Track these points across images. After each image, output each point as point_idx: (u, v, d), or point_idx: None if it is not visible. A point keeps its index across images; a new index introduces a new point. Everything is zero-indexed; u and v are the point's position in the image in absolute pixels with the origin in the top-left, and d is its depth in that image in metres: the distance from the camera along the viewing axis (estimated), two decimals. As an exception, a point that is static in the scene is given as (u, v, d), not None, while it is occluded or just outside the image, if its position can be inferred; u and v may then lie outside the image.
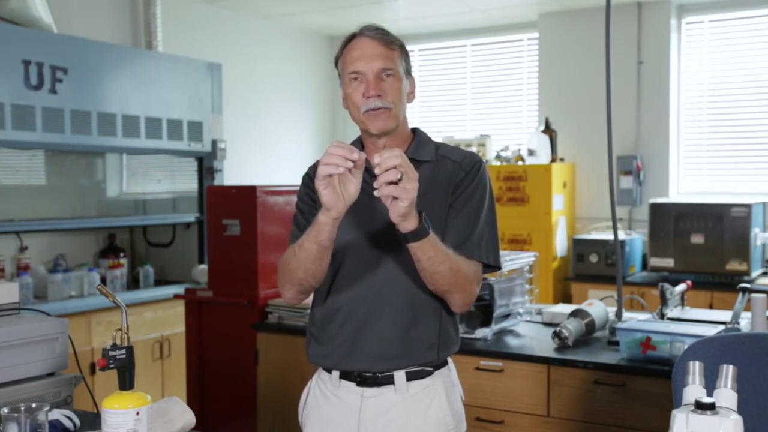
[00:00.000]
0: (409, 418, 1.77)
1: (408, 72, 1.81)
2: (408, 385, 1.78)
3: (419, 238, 1.57)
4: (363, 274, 1.78)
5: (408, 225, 1.54)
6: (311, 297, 1.90)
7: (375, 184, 1.48)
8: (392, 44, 1.76)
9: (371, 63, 1.72)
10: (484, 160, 5.78)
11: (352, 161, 1.52)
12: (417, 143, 1.84)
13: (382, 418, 1.77)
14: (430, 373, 1.81)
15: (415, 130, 1.88)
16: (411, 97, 1.84)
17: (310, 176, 1.87)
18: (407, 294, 1.76)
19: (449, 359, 1.88)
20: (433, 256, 1.61)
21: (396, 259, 1.76)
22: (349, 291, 1.79)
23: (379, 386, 1.78)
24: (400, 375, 1.77)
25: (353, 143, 1.86)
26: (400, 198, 1.48)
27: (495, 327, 2.89)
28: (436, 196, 1.75)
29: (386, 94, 1.73)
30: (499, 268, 1.83)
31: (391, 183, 1.47)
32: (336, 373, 1.82)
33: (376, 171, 1.47)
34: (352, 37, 1.78)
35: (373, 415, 1.78)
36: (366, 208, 1.77)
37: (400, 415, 1.77)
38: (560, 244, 5.12)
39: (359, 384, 1.79)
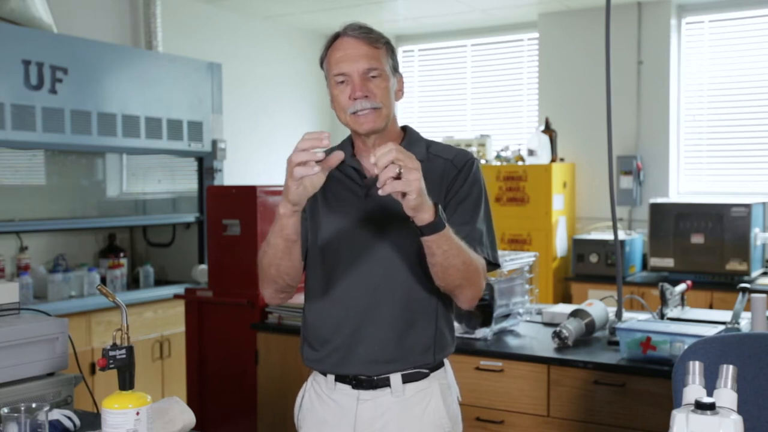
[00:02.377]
0: (405, 421, 1.76)
1: (395, 69, 1.78)
2: (404, 387, 1.76)
3: (436, 231, 1.54)
4: (356, 278, 1.75)
5: (424, 216, 1.51)
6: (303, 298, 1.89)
7: (378, 184, 1.45)
8: (377, 42, 1.73)
9: (356, 64, 1.69)
10: (483, 160, 5.76)
11: (322, 148, 1.48)
12: (408, 142, 1.81)
13: (378, 421, 1.76)
14: (426, 375, 1.79)
15: (405, 128, 1.86)
16: (399, 94, 1.80)
17: None
18: (402, 297, 1.74)
19: (445, 360, 1.86)
20: (448, 250, 1.58)
21: (389, 262, 1.74)
22: (342, 295, 1.77)
23: (375, 389, 1.77)
24: (396, 378, 1.76)
25: (343, 143, 1.84)
26: (407, 191, 1.45)
27: (495, 327, 2.89)
28: (430, 195, 1.74)
29: (373, 95, 1.70)
30: (498, 265, 1.81)
31: (393, 179, 1.44)
32: (331, 376, 1.80)
33: (376, 171, 1.45)
34: (335, 38, 1.75)
35: (369, 418, 1.77)
36: (357, 211, 1.76)
37: (396, 417, 1.76)
38: (560, 244, 5.12)
39: (355, 387, 1.77)
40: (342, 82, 1.72)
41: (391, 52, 1.78)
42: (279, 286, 1.76)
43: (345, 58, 1.70)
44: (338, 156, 1.51)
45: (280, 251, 1.66)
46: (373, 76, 1.71)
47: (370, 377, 1.76)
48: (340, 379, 1.79)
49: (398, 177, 1.44)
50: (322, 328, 1.80)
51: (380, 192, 1.45)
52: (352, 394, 1.78)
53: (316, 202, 1.79)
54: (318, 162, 1.48)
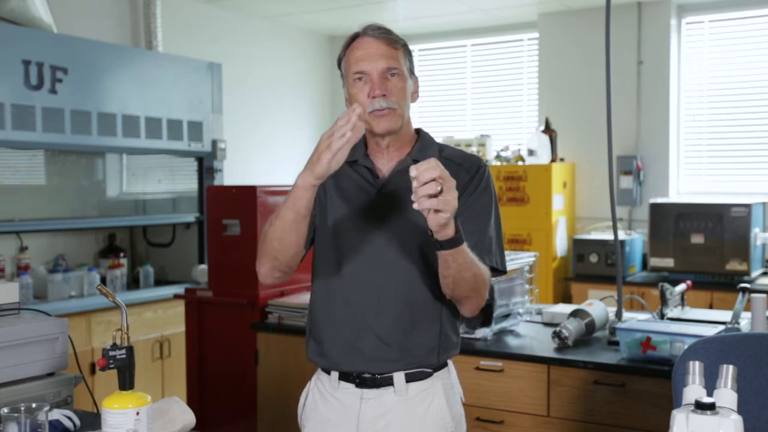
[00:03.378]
0: (408, 420, 1.77)
1: (411, 71, 1.80)
2: (407, 386, 1.77)
3: (455, 246, 1.54)
4: (362, 276, 1.77)
5: (447, 233, 1.51)
6: (308, 297, 1.89)
7: (413, 197, 1.44)
8: (396, 43, 1.75)
9: (375, 63, 1.71)
10: (485, 161, 5.77)
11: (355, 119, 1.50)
12: (421, 145, 1.82)
13: (381, 420, 1.77)
14: (429, 375, 1.80)
15: (418, 131, 1.87)
16: (415, 96, 1.82)
17: None
18: (405, 297, 1.75)
19: (449, 360, 1.87)
20: (463, 263, 1.58)
21: (394, 261, 1.75)
22: (347, 292, 1.78)
23: (378, 387, 1.77)
24: (399, 376, 1.77)
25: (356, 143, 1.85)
26: (444, 210, 1.44)
27: (495, 327, 2.89)
28: None
29: (391, 94, 1.71)
30: (505, 272, 1.82)
31: (431, 196, 1.43)
32: (335, 374, 1.81)
33: (414, 184, 1.43)
34: (355, 37, 1.77)
35: (372, 417, 1.77)
36: (367, 209, 1.77)
37: (399, 416, 1.77)
38: (560, 244, 5.12)
39: (358, 385, 1.78)
40: (360, 80, 1.73)
41: (409, 54, 1.79)
42: (278, 262, 1.74)
43: (365, 57, 1.72)
44: (356, 111, 1.51)
45: (288, 224, 1.65)
46: (392, 75, 1.72)
47: (374, 375, 1.77)
48: (344, 377, 1.80)
49: (435, 195, 1.43)
50: (327, 324, 1.81)
51: (415, 206, 1.44)
52: (355, 392, 1.79)
53: (326, 198, 1.80)
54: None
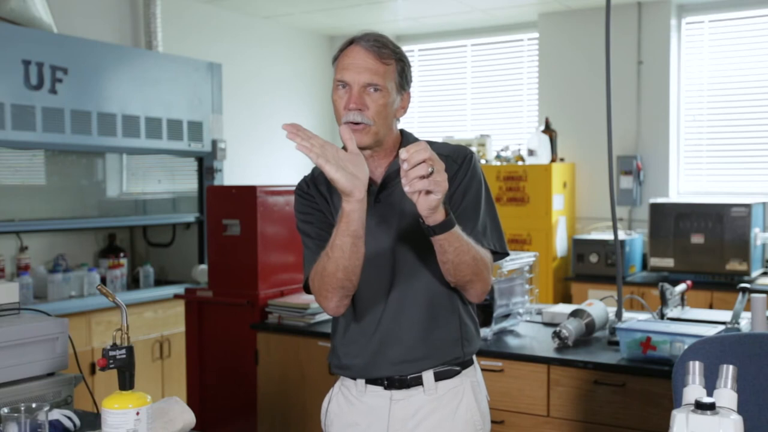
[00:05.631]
0: (438, 419, 1.78)
1: (402, 87, 1.76)
2: (437, 385, 1.78)
3: (447, 230, 1.55)
4: (376, 284, 1.77)
5: (437, 217, 1.52)
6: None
7: (403, 180, 1.44)
8: (387, 59, 1.71)
9: (359, 75, 1.69)
10: (484, 160, 5.73)
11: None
12: (405, 144, 1.80)
13: (411, 420, 1.78)
14: (457, 373, 1.81)
15: (402, 132, 1.87)
16: (400, 112, 1.79)
17: (303, 189, 1.84)
18: (425, 296, 1.76)
19: (474, 358, 1.88)
20: (459, 247, 1.60)
21: (409, 262, 1.75)
22: (365, 303, 1.78)
23: (408, 388, 1.78)
24: (428, 375, 1.78)
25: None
26: (435, 191, 1.45)
27: (495, 327, 2.89)
28: None
29: (367, 109, 1.69)
30: (507, 254, 1.83)
31: (421, 177, 1.43)
32: (361, 380, 1.82)
33: (404, 166, 1.43)
34: (350, 42, 1.75)
35: (402, 418, 1.78)
36: (371, 217, 1.75)
37: (430, 415, 1.78)
38: (560, 244, 5.12)
39: (387, 387, 1.79)
40: (343, 87, 1.71)
41: (403, 69, 1.76)
42: (346, 290, 1.69)
43: (349, 67, 1.70)
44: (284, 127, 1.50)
45: (347, 251, 1.61)
46: (374, 90, 1.70)
47: (403, 377, 1.78)
48: (372, 381, 1.80)
49: (426, 176, 1.43)
50: (348, 337, 1.82)
51: (406, 189, 1.45)
52: (384, 395, 1.79)
53: (331, 212, 1.80)
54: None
